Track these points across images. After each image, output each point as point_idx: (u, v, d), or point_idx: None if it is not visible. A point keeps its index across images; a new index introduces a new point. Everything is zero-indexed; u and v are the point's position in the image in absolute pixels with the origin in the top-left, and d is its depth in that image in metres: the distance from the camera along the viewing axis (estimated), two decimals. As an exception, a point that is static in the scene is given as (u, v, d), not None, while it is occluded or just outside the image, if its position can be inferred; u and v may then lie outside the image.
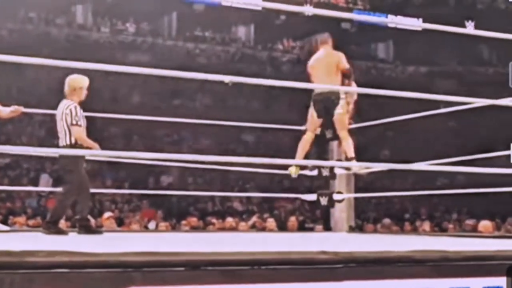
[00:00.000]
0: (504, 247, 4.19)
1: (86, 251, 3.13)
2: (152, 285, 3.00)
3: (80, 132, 6.49)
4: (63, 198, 6.59)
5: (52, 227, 6.38)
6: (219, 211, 16.98)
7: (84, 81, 6.61)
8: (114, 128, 21.02)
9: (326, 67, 7.36)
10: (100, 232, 6.70)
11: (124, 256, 3.12)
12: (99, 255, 3.12)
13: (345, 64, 7.39)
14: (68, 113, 6.48)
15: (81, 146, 6.46)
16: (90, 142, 6.50)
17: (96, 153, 6.69)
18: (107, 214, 11.12)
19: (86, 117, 6.59)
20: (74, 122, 6.46)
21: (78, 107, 6.55)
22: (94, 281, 2.93)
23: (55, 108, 6.62)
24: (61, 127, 6.53)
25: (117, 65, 4.21)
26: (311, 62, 7.56)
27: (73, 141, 6.48)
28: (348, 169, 7.63)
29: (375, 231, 12.40)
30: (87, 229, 6.50)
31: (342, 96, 7.28)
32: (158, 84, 22.16)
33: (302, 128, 7.75)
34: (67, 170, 6.50)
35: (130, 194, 17.14)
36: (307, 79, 7.44)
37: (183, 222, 12.14)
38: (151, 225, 12.31)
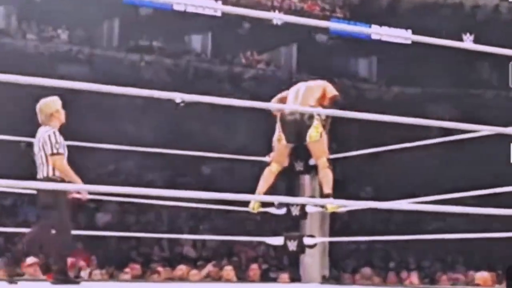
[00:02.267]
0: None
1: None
2: None
3: (61, 161, 6.59)
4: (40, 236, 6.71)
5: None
6: (167, 257, 16.89)
7: (58, 102, 6.79)
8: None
9: (305, 88, 7.46)
10: (77, 283, 6.81)
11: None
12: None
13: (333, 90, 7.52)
14: (47, 141, 6.59)
15: (62, 179, 6.56)
16: (72, 175, 6.60)
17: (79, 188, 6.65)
18: (30, 260, 10.98)
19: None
20: (54, 151, 6.56)
21: (58, 133, 6.68)
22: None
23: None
24: (39, 157, 6.63)
25: (47, 79, 4.19)
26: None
27: (51, 173, 6.58)
28: (323, 206, 7.60)
29: (353, 282, 12.45)
30: (63, 280, 6.56)
31: (317, 116, 7.26)
32: (96, 102, 22.10)
33: (266, 159, 7.74)
34: (46, 206, 6.61)
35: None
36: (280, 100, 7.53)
37: (124, 269, 12.07)
38: (83, 273, 12.20)
